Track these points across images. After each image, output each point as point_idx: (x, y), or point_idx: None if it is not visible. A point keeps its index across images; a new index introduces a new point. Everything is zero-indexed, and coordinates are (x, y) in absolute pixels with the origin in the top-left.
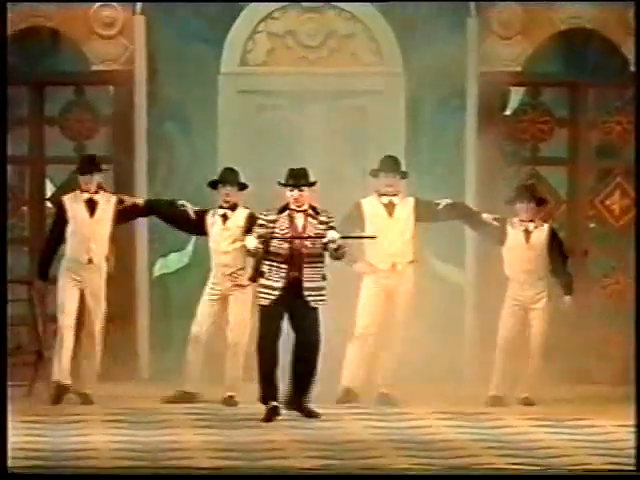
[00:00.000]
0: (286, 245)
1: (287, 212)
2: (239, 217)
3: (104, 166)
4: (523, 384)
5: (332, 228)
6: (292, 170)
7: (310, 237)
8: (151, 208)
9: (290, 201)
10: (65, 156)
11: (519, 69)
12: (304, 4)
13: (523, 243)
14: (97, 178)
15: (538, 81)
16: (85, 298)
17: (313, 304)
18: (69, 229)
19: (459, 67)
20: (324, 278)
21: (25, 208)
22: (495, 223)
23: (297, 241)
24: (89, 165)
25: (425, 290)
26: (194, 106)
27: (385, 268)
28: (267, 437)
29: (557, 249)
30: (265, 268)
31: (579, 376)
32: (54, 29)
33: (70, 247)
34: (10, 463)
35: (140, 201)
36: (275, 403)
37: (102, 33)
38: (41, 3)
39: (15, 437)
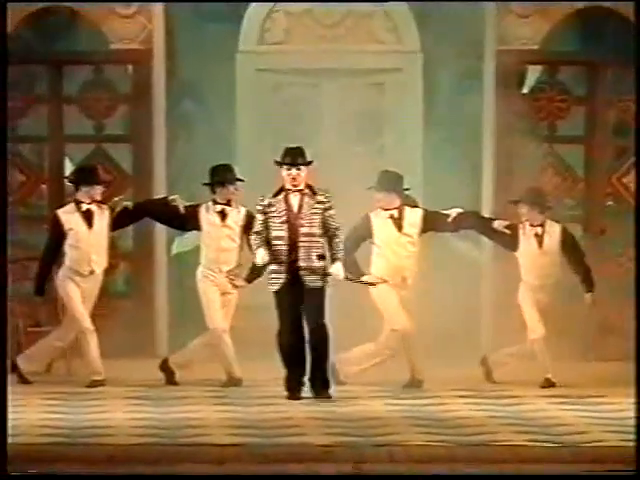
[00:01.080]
0: (285, 227)
1: (283, 193)
2: (239, 215)
3: (106, 177)
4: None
5: (329, 209)
6: (289, 149)
7: (309, 268)
8: (141, 210)
9: (286, 181)
10: (84, 135)
11: (536, 47)
12: None
13: (536, 248)
14: (99, 190)
15: (555, 59)
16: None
17: (309, 284)
18: (68, 242)
19: (476, 45)
20: (322, 258)
21: (44, 186)
22: (506, 231)
23: (293, 222)
24: (91, 177)
25: (444, 265)
26: (212, 84)
27: (396, 282)
28: (285, 414)
29: (571, 248)
30: (269, 255)
31: (595, 353)
32: (73, 8)
33: (70, 259)
34: (30, 440)
35: (129, 204)
36: (298, 388)
37: (120, 12)
38: None
39: (36, 414)
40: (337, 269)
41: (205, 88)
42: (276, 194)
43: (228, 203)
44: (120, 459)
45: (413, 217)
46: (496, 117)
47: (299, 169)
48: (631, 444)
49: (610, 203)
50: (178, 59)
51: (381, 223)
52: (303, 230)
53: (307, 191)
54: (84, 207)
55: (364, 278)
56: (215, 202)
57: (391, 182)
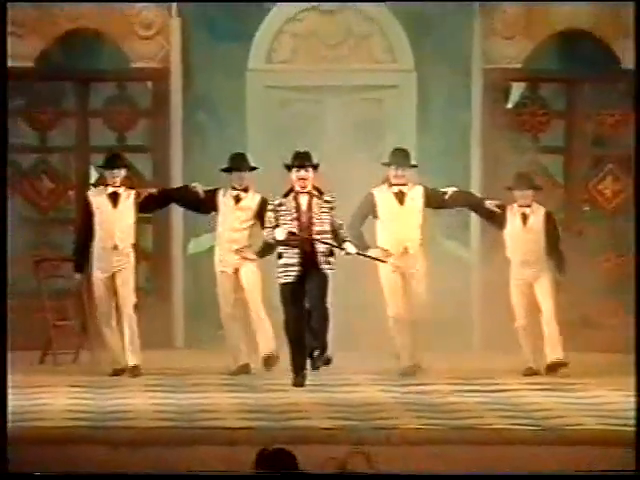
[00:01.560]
0: (296, 223)
1: (292, 194)
2: (253, 200)
3: (127, 162)
4: (550, 348)
5: (335, 209)
6: (297, 152)
7: (326, 243)
8: (166, 195)
9: (295, 182)
10: (108, 145)
11: (520, 66)
12: (324, 7)
13: (521, 226)
14: (122, 173)
15: (537, 77)
16: (115, 283)
17: (326, 270)
18: (96, 220)
19: (465, 64)
20: (332, 253)
21: (72, 192)
22: (497, 210)
23: (304, 220)
24: (115, 161)
25: (434, 266)
26: (224, 99)
27: (398, 252)
28: (292, 400)
29: (551, 231)
30: (281, 249)
31: (576, 345)
32: (97, 30)
33: (98, 236)
34: (57, 424)
35: (154, 191)
36: (303, 375)
37: (141, 34)
38: (83, 5)
39: (62, 400)
40: (348, 246)
41: (218, 103)
42: (286, 194)
43: (245, 190)
44: (140, 441)
45: (415, 193)
46: (483, 129)
47: (307, 170)
48: (609, 427)
49: (587, 208)
50: (193, 76)
51: (384, 198)
52: (316, 228)
53: (315, 192)
54: (110, 190)
55: (371, 253)
56: (233, 187)
57: (402, 159)
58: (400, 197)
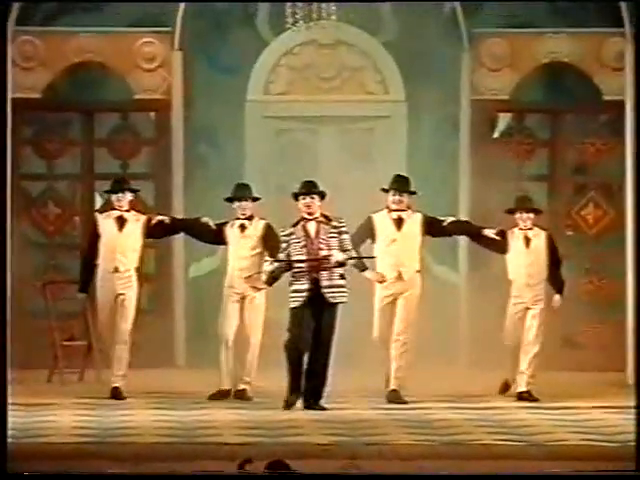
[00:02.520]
0: (304, 250)
1: (301, 222)
2: (257, 227)
3: (133, 186)
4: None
5: (343, 233)
6: (304, 182)
7: (319, 259)
8: (178, 225)
9: (303, 210)
10: (112, 173)
11: (506, 97)
12: (320, 42)
13: (524, 249)
14: (128, 197)
15: (523, 108)
16: (117, 306)
17: (331, 300)
18: (101, 242)
19: (454, 95)
20: (342, 277)
21: (77, 218)
22: (497, 237)
23: (313, 247)
24: (120, 185)
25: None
26: (224, 129)
27: (392, 276)
28: (287, 416)
29: (554, 251)
30: (292, 277)
31: (559, 364)
32: (102, 63)
33: (101, 258)
34: (60, 439)
35: (167, 219)
36: (297, 395)
37: (144, 66)
38: (89, 39)
39: (66, 417)
40: (337, 255)
41: (218, 132)
42: (295, 224)
43: (249, 218)
44: (143, 456)
45: (413, 219)
46: (471, 157)
47: (313, 198)
48: (592, 443)
49: (570, 233)
50: (194, 107)
51: (383, 223)
52: (323, 253)
53: (322, 219)
54: (117, 213)
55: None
56: (237, 217)
57: (401, 185)
58: (398, 223)
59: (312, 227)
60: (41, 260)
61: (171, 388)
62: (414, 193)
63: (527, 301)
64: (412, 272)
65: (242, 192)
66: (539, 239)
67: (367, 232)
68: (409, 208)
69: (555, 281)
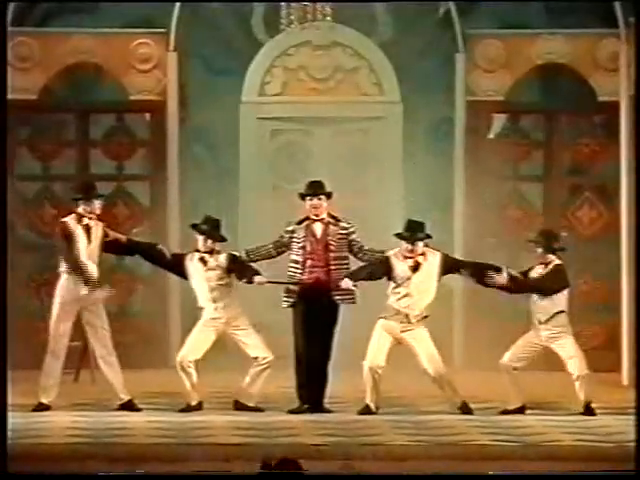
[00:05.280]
0: (301, 252)
1: (306, 222)
2: (220, 258)
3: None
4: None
5: (352, 234)
6: (311, 182)
7: (335, 289)
8: (132, 247)
9: (309, 211)
10: (107, 174)
11: (501, 98)
12: (315, 43)
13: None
14: (97, 204)
15: (518, 109)
16: (82, 312)
17: (339, 302)
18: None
19: (449, 97)
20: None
21: None
22: (520, 277)
23: (318, 248)
24: (88, 192)
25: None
26: (219, 130)
27: (400, 314)
28: (284, 418)
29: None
30: (289, 274)
31: (552, 365)
32: (98, 64)
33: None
34: (56, 440)
35: (123, 238)
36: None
37: (139, 67)
38: (84, 40)
39: (60, 417)
40: (346, 282)
41: (212, 133)
42: (300, 222)
43: (210, 252)
44: (138, 457)
45: (432, 260)
46: (466, 159)
47: (320, 199)
48: (586, 444)
49: (565, 234)
50: (189, 108)
51: (399, 264)
52: (333, 255)
53: (331, 220)
54: (85, 221)
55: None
56: (197, 250)
57: (417, 232)
58: (416, 265)
59: (318, 228)
60: (37, 261)
61: (165, 389)
62: (429, 237)
63: (544, 340)
64: (420, 317)
65: (208, 227)
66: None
67: (382, 270)
68: (426, 248)
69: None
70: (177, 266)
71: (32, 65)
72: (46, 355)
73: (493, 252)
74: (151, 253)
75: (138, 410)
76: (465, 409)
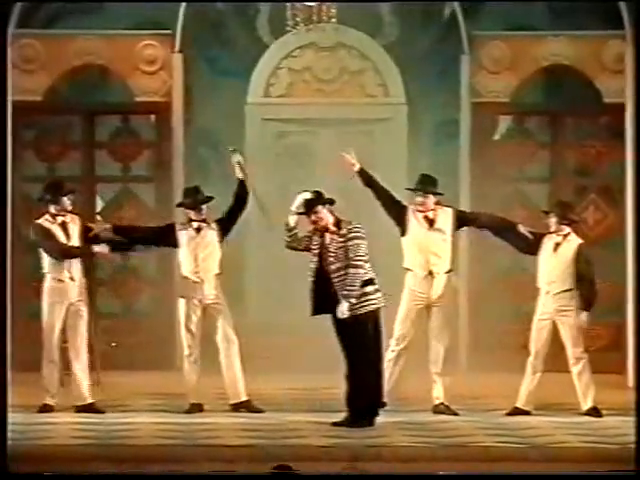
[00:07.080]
0: (316, 259)
1: (318, 232)
2: (213, 230)
3: (70, 188)
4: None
5: (350, 240)
6: (305, 200)
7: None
8: (118, 232)
9: (314, 226)
10: (112, 175)
11: (506, 100)
12: (320, 45)
13: (551, 253)
14: (67, 201)
15: (523, 110)
16: (67, 314)
17: (351, 312)
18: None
19: (454, 98)
20: (364, 285)
21: None
22: (529, 235)
23: (321, 257)
24: (57, 191)
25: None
26: (224, 132)
27: (422, 276)
28: (288, 419)
29: (584, 264)
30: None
31: (558, 366)
32: (103, 66)
33: (51, 265)
34: (62, 442)
35: (108, 226)
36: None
37: (145, 69)
38: (90, 41)
39: (67, 418)
40: (341, 310)
41: (218, 134)
42: (314, 230)
43: (204, 221)
44: (143, 458)
45: (445, 215)
46: (471, 160)
47: (316, 212)
48: (591, 445)
49: None
50: (194, 110)
51: (415, 220)
52: (332, 267)
53: (333, 228)
54: (59, 219)
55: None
56: (191, 220)
57: (428, 185)
58: (430, 220)
59: (327, 239)
60: (40, 262)
61: (171, 390)
62: (440, 194)
63: (552, 313)
64: (442, 272)
65: (195, 197)
66: (569, 246)
67: (399, 219)
68: (437, 205)
69: (583, 295)
70: (167, 235)
71: (37, 67)
72: (43, 357)
73: (499, 253)
74: (138, 230)
75: (102, 412)
76: (440, 410)
